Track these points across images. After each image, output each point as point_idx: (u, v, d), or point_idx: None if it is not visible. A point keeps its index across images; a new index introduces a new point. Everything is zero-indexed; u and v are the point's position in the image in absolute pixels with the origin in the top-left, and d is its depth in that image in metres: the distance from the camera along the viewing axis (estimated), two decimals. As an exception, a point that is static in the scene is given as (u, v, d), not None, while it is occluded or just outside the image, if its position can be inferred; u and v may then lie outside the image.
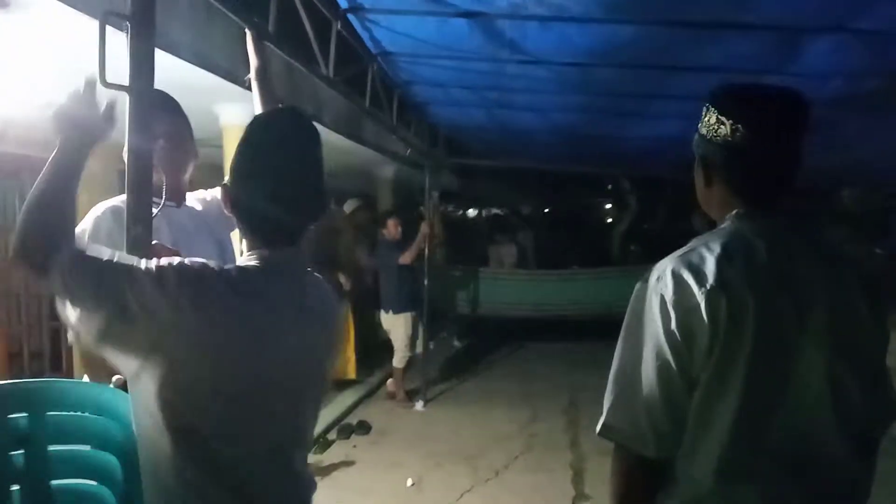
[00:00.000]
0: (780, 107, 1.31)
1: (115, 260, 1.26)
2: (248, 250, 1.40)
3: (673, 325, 1.21)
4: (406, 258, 6.39)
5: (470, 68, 4.17)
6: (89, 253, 1.27)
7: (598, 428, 1.32)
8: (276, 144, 1.35)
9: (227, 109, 4.91)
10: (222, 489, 1.22)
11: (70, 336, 1.92)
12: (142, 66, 1.60)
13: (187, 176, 2.17)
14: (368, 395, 6.78)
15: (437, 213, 9.72)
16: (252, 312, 1.28)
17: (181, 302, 1.20)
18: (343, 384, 6.68)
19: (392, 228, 6.61)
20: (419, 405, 6.35)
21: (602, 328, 10.18)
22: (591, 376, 7.42)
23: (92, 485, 1.43)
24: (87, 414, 1.44)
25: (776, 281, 1.24)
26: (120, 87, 1.58)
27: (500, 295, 9.11)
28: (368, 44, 3.84)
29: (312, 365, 1.41)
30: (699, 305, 1.20)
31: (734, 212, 1.32)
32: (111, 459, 1.44)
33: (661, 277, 1.25)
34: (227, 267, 1.33)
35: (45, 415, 1.30)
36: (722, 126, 1.31)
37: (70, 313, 1.22)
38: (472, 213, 17.01)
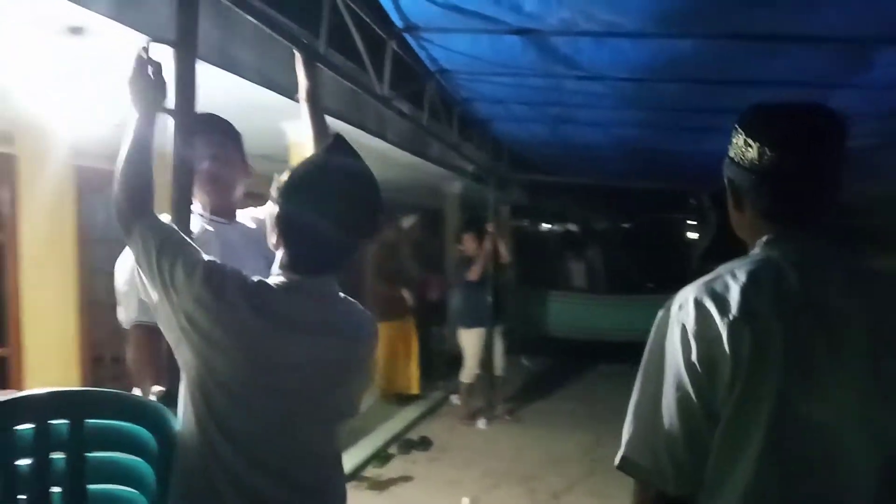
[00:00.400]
0: (810, 127, 1.23)
1: (175, 239, 1.42)
2: (279, 268, 1.46)
3: (694, 356, 1.16)
4: (473, 273, 6.39)
5: (527, 84, 4.16)
6: (161, 226, 1.44)
7: (617, 461, 1.26)
8: (319, 182, 1.43)
9: (293, 127, 5.07)
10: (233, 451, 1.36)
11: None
12: (184, 88, 1.67)
13: (237, 193, 2.23)
14: (431, 410, 6.79)
15: (507, 229, 9.69)
16: (257, 324, 1.36)
17: (201, 295, 1.33)
18: (406, 399, 6.73)
19: (468, 244, 6.53)
20: (482, 423, 6.31)
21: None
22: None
23: (126, 490, 1.49)
24: (123, 422, 1.49)
25: (807, 310, 1.16)
26: (166, 111, 1.66)
27: (570, 317, 8.96)
28: (426, 62, 3.89)
29: (326, 380, 1.44)
30: (721, 336, 1.13)
31: (764, 237, 1.26)
32: (145, 467, 1.48)
33: (683, 306, 1.20)
34: (251, 280, 1.41)
35: (85, 422, 1.36)
36: (749, 149, 1.24)
37: (141, 284, 1.41)
38: (544, 228, 16.85)
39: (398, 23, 3.25)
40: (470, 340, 6.38)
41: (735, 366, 1.12)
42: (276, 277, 1.44)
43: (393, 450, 5.52)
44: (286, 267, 1.44)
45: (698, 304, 1.18)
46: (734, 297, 1.16)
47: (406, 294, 6.73)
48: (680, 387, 1.17)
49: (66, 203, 4.86)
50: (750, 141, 1.24)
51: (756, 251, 1.25)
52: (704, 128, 4.94)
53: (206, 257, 1.41)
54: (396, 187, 9.41)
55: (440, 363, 7.57)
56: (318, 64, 2.57)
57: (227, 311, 1.34)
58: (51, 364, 4.40)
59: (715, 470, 1.18)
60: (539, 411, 6.84)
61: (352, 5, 3.02)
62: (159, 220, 1.47)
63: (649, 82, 3.83)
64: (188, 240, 1.48)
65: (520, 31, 3.13)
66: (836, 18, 2.69)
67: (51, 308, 4.54)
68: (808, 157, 1.22)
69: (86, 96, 3.06)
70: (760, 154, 1.22)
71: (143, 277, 1.40)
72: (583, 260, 10.75)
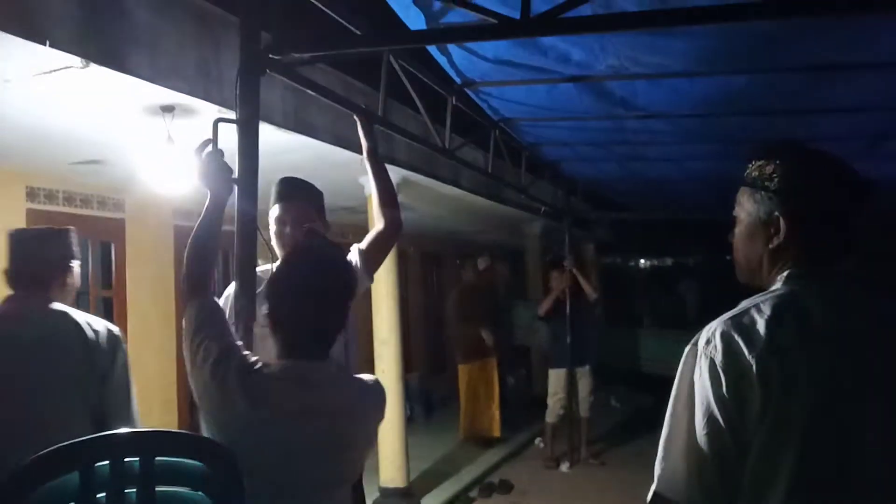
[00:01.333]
0: (846, 176, 1.28)
1: (212, 321, 1.60)
2: (276, 356, 1.63)
3: (723, 389, 1.17)
4: (542, 309, 6.38)
5: (589, 126, 4.25)
6: (208, 307, 1.63)
7: (649, 497, 1.29)
8: (293, 278, 1.60)
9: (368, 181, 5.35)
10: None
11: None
12: (247, 160, 1.90)
13: None
14: (514, 453, 6.77)
15: (593, 267, 9.59)
16: (251, 414, 1.53)
17: (208, 383, 1.53)
18: (489, 441, 6.74)
19: (555, 282, 6.41)
20: (565, 466, 6.22)
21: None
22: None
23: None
24: (188, 459, 1.58)
25: (831, 344, 1.19)
26: (234, 181, 1.87)
27: (662, 354, 8.71)
28: (488, 112, 4.06)
29: (316, 458, 1.58)
30: (751, 369, 1.16)
31: (786, 272, 1.27)
32: (205, 500, 1.59)
33: (711, 340, 1.21)
34: (253, 369, 1.57)
35: (154, 459, 1.52)
36: (783, 183, 1.27)
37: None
38: (633, 265, 16.54)
39: (456, 79, 3.44)
40: (554, 380, 6.33)
41: (765, 398, 1.15)
42: (275, 364, 1.61)
43: (474, 493, 5.55)
44: (280, 355, 1.61)
45: (726, 338, 1.19)
46: (761, 330, 1.18)
47: (486, 335, 6.76)
48: (710, 420, 1.19)
49: (166, 261, 5.31)
50: (785, 176, 1.27)
51: (778, 286, 1.27)
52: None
53: (227, 346, 1.57)
54: (476, 230, 9.60)
55: (525, 405, 7.54)
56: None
57: (225, 399, 1.52)
58: (153, 408, 4.75)
59: (749, 500, 1.21)
60: (626, 453, 6.66)
61: (408, 68, 3.23)
62: (210, 300, 1.65)
63: (711, 117, 3.83)
64: (225, 326, 1.64)
65: (572, 79, 3.25)
66: (891, 43, 2.65)
67: (154, 357, 4.94)
68: (834, 200, 1.27)
69: (181, 164, 3.40)
70: (795, 191, 1.26)
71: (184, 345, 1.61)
72: (674, 294, 10.50)
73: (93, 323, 2.21)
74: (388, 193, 2.42)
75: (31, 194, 4.38)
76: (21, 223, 4.29)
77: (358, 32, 2.68)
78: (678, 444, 1.25)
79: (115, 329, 2.26)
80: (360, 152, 4.32)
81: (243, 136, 1.89)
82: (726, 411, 1.18)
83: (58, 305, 2.20)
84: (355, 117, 2.57)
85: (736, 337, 1.19)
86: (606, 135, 4.43)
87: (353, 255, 2.44)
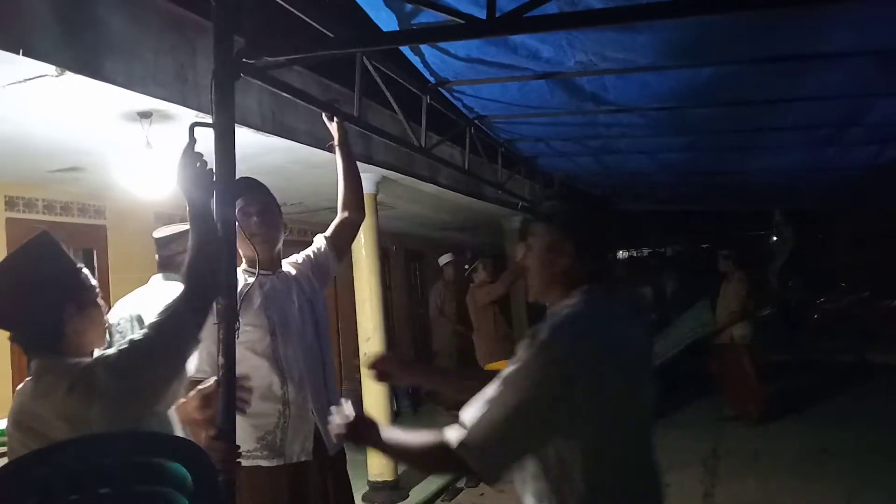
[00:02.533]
0: (605, 206, 1.75)
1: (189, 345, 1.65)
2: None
3: (548, 383, 1.41)
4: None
5: (563, 122, 4.34)
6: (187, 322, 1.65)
7: (455, 444, 1.43)
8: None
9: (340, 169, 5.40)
10: None
11: None
12: (224, 160, 1.94)
13: (279, 247, 2.46)
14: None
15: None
16: None
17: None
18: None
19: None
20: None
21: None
22: (738, 426, 7.02)
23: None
24: (164, 460, 1.55)
25: (624, 344, 1.52)
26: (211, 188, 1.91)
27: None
28: (462, 110, 4.13)
29: None
30: (577, 363, 1.41)
31: (583, 287, 1.54)
32: (182, 500, 1.59)
33: (537, 335, 1.44)
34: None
35: (132, 459, 1.50)
36: (560, 217, 1.59)
37: None
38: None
39: (430, 79, 3.50)
40: None
41: (589, 385, 1.42)
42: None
43: (461, 484, 5.61)
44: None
45: (556, 337, 1.44)
46: (579, 330, 1.47)
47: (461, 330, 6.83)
48: (530, 405, 1.41)
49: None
50: (572, 212, 1.61)
51: (576, 299, 1.53)
52: (747, 147, 4.97)
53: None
54: (456, 227, 9.67)
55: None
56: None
57: None
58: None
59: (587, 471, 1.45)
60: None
61: (381, 68, 3.29)
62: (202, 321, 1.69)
63: (679, 109, 3.93)
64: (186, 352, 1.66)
65: (543, 76, 3.33)
66: (843, 36, 2.76)
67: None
68: (607, 232, 1.66)
69: (160, 169, 3.43)
70: (580, 224, 1.59)
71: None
72: (653, 286, 10.64)
73: None
74: (354, 182, 2.61)
75: (10, 203, 4.39)
76: (1, 233, 4.30)
77: (330, 35, 2.74)
78: (499, 415, 1.42)
79: None
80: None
81: (220, 140, 1.93)
82: (546, 399, 1.41)
83: None
84: (323, 115, 2.64)
85: (558, 338, 1.44)
86: (580, 129, 4.52)
87: (319, 242, 2.57)
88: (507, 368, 1.45)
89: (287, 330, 2.28)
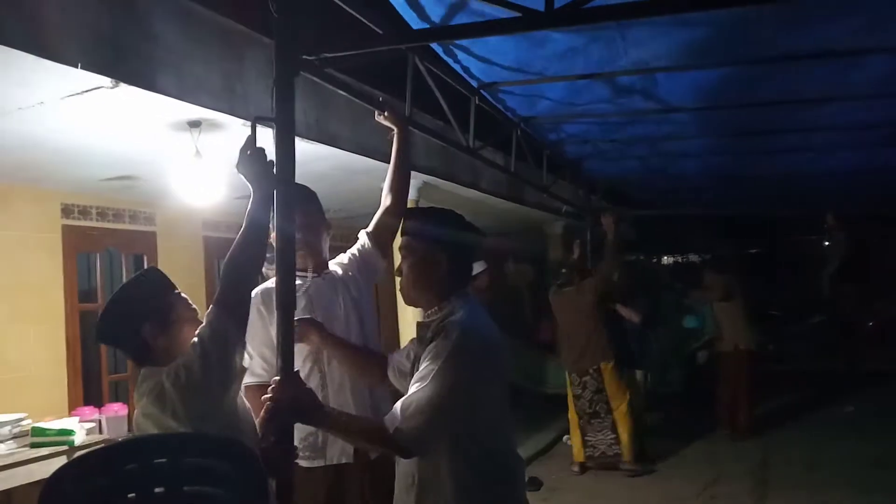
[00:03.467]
0: (469, 225, 1.97)
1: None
2: None
3: (470, 374, 1.74)
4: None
5: (610, 122, 4.27)
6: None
7: (392, 430, 1.72)
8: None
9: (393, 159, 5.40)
10: None
11: None
12: (284, 157, 1.96)
13: (325, 249, 2.50)
14: (544, 451, 6.78)
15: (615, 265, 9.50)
16: None
17: None
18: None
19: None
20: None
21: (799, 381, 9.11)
22: (788, 433, 6.82)
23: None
24: (213, 460, 1.58)
25: (499, 341, 1.89)
26: (271, 184, 1.93)
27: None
28: (507, 113, 4.10)
29: None
30: (483, 355, 1.78)
31: (458, 294, 1.86)
32: (231, 498, 1.61)
33: (458, 335, 1.74)
34: None
35: (183, 460, 1.53)
36: (435, 233, 1.89)
37: None
38: (662, 262, 16.38)
39: (474, 83, 3.48)
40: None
41: (489, 375, 1.81)
42: None
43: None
44: None
45: (467, 334, 1.75)
46: (484, 331, 1.82)
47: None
48: (453, 395, 1.70)
49: (197, 271, 5.44)
50: (446, 230, 1.90)
51: (457, 304, 1.83)
52: (799, 148, 4.83)
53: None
54: (497, 232, 9.63)
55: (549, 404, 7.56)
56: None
57: None
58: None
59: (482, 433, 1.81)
60: (657, 450, 6.63)
61: (433, 69, 3.28)
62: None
63: (730, 109, 3.84)
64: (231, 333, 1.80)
65: (593, 76, 3.27)
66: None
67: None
68: (469, 247, 1.96)
69: (209, 177, 3.49)
70: (453, 240, 1.89)
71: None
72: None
73: None
74: (404, 174, 2.57)
75: (66, 211, 4.52)
76: (57, 239, 4.44)
77: (380, 32, 2.71)
78: (423, 406, 1.70)
79: None
80: (380, 159, 4.41)
81: (280, 136, 1.96)
82: (470, 388, 1.73)
83: None
84: (381, 114, 2.58)
85: (473, 333, 1.77)
86: (627, 130, 4.45)
87: (363, 239, 2.55)
88: (427, 364, 1.72)
89: (330, 332, 2.29)
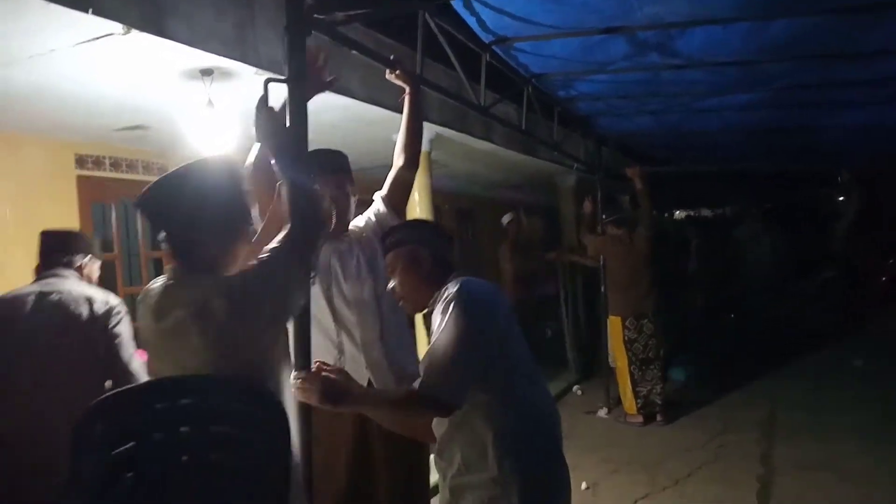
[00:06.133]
0: (440, 227, 2.25)
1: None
2: None
3: (476, 322, 1.84)
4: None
5: (624, 79, 4.20)
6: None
7: (421, 388, 1.84)
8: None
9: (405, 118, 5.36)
10: None
11: None
12: (297, 112, 1.98)
13: (352, 214, 2.58)
14: (557, 398, 6.86)
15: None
16: None
17: None
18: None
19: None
20: (603, 412, 6.30)
21: (810, 339, 9.19)
22: (796, 387, 6.87)
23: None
24: (238, 401, 1.62)
25: (500, 299, 2.04)
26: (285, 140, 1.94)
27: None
28: (519, 69, 4.04)
29: None
30: (491, 309, 1.93)
31: (453, 277, 1.99)
32: (254, 436, 1.61)
33: (464, 296, 1.86)
34: None
35: (207, 400, 1.57)
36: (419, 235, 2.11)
37: None
38: (676, 217, 16.30)
39: (485, 38, 3.42)
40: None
41: (496, 331, 1.91)
42: None
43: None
44: None
45: (466, 295, 1.87)
46: (481, 286, 1.97)
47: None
48: (467, 343, 1.80)
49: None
50: (425, 231, 2.15)
51: (450, 282, 1.96)
52: (819, 103, 4.74)
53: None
54: (509, 185, 9.58)
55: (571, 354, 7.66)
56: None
57: None
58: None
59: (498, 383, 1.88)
60: (667, 401, 6.68)
61: (444, 25, 3.23)
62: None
63: (748, 64, 3.76)
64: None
65: (608, 31, 3.21)
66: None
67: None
68: (446, 240, 2.14)
69: (221, 126, 3.49)
70: (432, 240, 2.09)
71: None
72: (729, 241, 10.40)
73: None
74: (416, 134, 2.62)
75: (80, 161, 4.55)
76: (72, 190, 4.47)
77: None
78: (444, 361, 1.80)
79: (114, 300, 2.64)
80: (392, 109, 4.38)
81: (293, 94, 1.97)
82: (479, 337, 1.84)
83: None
84: (392, 73, 2.59)
85: (470, 286, 1.91)
86: (641, 86, 4.37)
87: (377, 203, 2.61)
88: (438, 331, 1.82)
89: (340, 286, 2.46)
